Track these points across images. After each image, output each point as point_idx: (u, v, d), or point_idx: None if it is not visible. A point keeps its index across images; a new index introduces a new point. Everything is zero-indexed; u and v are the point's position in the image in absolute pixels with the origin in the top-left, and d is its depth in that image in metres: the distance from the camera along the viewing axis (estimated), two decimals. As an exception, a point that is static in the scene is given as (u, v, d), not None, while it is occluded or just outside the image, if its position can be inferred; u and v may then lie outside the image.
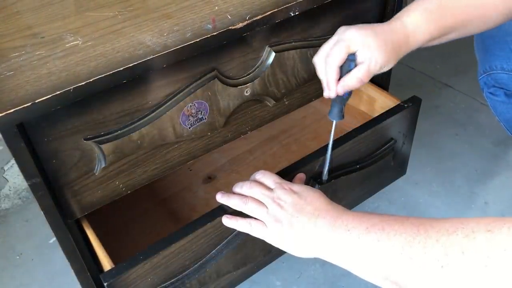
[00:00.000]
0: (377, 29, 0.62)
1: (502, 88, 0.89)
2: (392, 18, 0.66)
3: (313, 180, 0.75)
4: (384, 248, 0.49)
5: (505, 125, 0.95)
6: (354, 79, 0.62)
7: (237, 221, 0.64)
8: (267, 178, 0.66)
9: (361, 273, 0.53)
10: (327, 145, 0.71)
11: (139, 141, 0.60)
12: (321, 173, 0.74)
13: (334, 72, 0.63)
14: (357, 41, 0.61)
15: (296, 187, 0.63)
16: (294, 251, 0.60)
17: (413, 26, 0.64)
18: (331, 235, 0.56)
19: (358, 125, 0.80)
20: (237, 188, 0.65)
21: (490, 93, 0.92)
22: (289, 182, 0.65)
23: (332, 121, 0.68)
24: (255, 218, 0.62)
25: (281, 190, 0.62)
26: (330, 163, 0.72)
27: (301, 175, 0.72)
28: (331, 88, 0.64)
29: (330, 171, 0.74)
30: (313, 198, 0.61)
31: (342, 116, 0.67)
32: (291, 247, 0.60)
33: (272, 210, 0.61)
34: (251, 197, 0.63)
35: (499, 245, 0.40)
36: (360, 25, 0.63)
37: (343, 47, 0.61)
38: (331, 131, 0.69)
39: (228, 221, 0.64)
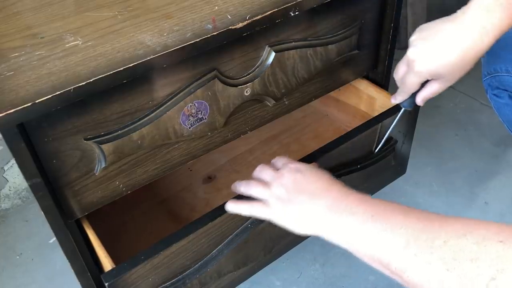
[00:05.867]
0: (449, 51, 0.61)
1: (506, 90, 0.89)
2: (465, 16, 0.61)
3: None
4: (388, 239, 0.48)
5: (509, 127, 0.95)
6: (423, 98, 0.70)
7: (239, 205, 0.64)
8: (279, 160, 0.67)
9: (361, 257, 0.53)
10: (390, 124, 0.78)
11: (139, 141, 0.60)
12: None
13: (407, 95, 0.71)
14: (426, 75, 0.65)
15: (303, 166, 0.63)
16: (294, 228, 0.60)
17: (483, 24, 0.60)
18: (332, 217, 0.55)
19: (358, 124, 0.80)
20: (254, 173, 0.67)
21: (494, 95, 0.92)
22: (298, 162, 0.65)
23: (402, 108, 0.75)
24: (259, 200, 0.63)
25: (286, 169, 0.63)
26: (387, 137, 0.78)
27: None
28: (399, 100, 0.73)
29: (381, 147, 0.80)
30: (316, 177, 0.61)
31: (412, 105, 0.73)
32: (292, 225, 0.60)
33: (274, 189, 0.61)
34: (255, 179, 0.65)
35: (511, 259, 0.39)
36: (432, 46, 0.63)
37: (414, 82, 0.66)
38: (397, 115, 0.77)
39: (230, 205, 0.65)
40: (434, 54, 0.62)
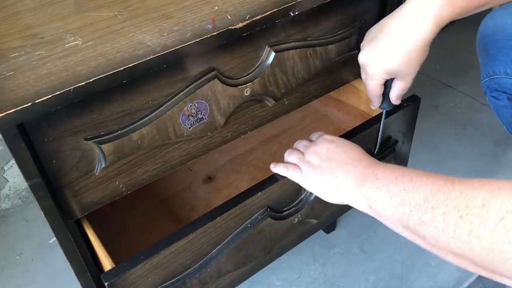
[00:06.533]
0: (396, 46, 0.61)
1: (505, 93, 0.89)
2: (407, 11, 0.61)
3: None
4: (408, 197, 0.50)
5: (508, 128, 0.95)
6: (396, 97, 0.70)
7: (278, 166, 0.69)
8: (316, 133, 0.72)
9: (383, 220, 0.54)
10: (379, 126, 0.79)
11: (139, 141, 0.60)
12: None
13: (377, 98, 0.71)
14: (382, 75, 0.65)
15: (336, 138, 0.67)
16: (323, 195, 0.63)
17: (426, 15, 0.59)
18: (359, 182, 0.57)
19: (358, 124, 0.80)
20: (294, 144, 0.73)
21: (493, 97, 0.92)
22: (334, 136, 0.68)
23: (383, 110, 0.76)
24: (295, 165, 0.67)
25: (321, 139, 0.67)
26: (381, 139, 0.80)
27: None
28: (376, 105, 0.73)
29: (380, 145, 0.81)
30: (348, 148, 0.63)
31: (391, 106, 0.74)
32: (321, 192, 0.63)
33: (308, 156, 0.65)
34: (295, 149, 0.70)
35: None
36: (378, 47, 0.63)
37: (374, 85, 0.67)
38: (382, 118, 0.78)
39: (272, 166, 0.71)
40: (382, 55, 0.63)
